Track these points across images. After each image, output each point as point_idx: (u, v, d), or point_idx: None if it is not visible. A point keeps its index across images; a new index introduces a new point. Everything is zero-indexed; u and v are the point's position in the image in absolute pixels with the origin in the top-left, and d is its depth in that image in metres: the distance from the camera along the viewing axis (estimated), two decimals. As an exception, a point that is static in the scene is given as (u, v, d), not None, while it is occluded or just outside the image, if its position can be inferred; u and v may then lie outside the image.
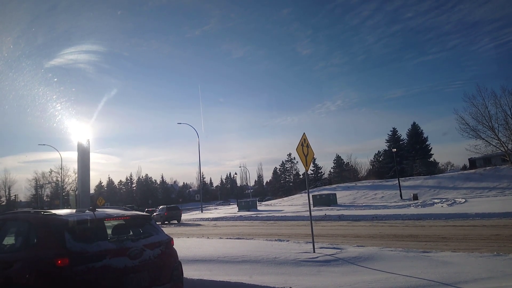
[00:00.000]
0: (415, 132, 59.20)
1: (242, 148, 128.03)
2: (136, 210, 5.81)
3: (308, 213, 9.21)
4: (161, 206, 32.23)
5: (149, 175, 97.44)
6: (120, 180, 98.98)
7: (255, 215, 26.58)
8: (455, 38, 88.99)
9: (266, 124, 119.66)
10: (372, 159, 70.48)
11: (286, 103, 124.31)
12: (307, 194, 9.01)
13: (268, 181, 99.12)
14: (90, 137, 7.63)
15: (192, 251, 8.33)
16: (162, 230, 4.52)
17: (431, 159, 58.82)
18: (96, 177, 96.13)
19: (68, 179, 64.38)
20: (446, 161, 74.88)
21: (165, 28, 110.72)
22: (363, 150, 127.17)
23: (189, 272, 5.73)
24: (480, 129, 36.08)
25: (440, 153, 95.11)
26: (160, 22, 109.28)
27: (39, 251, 3.59)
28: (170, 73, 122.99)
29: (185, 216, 36.27)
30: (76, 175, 9.27)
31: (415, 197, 29.40)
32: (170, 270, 4.19)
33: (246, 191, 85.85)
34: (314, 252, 7.61)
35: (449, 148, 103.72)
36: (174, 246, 4.47)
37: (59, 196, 51.64)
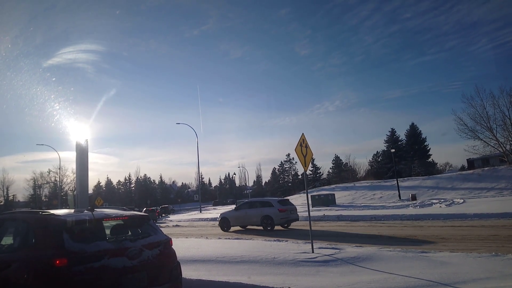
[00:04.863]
0: (414, 133, 59.36)
1: (241, 149, 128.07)
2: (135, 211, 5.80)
3: (307, 213, 9.22)
4: (144, 209, 40.31)
5: (148, 175, 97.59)
6: (119, 180, 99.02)
7: (253, 215, 26.50)
8: (453, 38, 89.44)
9: (265, 125, 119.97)
10: (370, 159, 70.70)
11: (285, 104, 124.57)
12: (305, 194, 9.01)
13: (267, 181, 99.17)
14: (88, 137, 7.65)
15: (191, 251, 8.33)
16: (161, 230, 4.52)
17: (430, 159, 58.98)
18: (95, 177, 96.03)
19: (67, 179, 64.22)
20: (444, 161, 75.14)
21: (163, 28, 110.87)
22: (362, 151, 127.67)
23: (188, 273, 5.72)
24: (478, 129, 36.32)
25: (438, 154, 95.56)
26: (158, 22, 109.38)
27: (37, 251, 3.58)
28: (169, 73, 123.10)
29: (183, 217, 36.21)
30: (75, 175, 9.27)
31: (414, 198, 29.45)
32: (169, 270, 4.18)
33: (245, 192, 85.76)
34: (312, 252, 7.61)
35: (448, 148, 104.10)
36: (172, 246, 4.47)
37: (58, 196, 51.46)
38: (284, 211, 15.70)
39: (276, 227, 15.92)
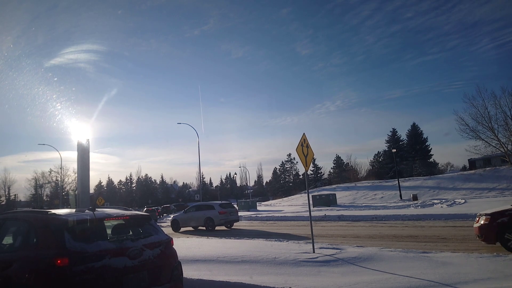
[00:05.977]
0: (415, 133, 59.27)
1: (242, 148, 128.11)
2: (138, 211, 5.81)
3: (308, 213, 9.22)
4: (145, 208, 41.73)
5: (149, 175, 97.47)
6: (120, 180, 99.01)
7: (254, 215, 26.58)
8: (455, 38, 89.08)
9: (266, 124, 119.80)
10: (371, 159, 70.57)
11: (286, 103, 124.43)
12: (307, 194, 9.01)
13: (268, 181, 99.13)
14: (90, 136, 7.64)
15: (192, 251, 8.33)
16: (162, 230, 4.53)
17: (431, 159, 58.90)
18: (96, 177, 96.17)
19: (68, 178, 64.30)
20: (445, 161, 75.06)
21: (165, 28, 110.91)
22: (363, 151, 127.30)
23: (189, 272, 5.73)
24: (480, 130, 36.14)
25: (440, 154, 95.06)
26: (160, 22, 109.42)
27: (38, 251, 3.58)
28: (170, 73, 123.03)
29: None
30: (76, 174, 9.28)
31: (415, 198, 29.42)
32: (170, 270, 4.18)
33: (246, 191, 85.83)
34: (313, 252, 7.61)
35: (449, 148, 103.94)
36: (173, 246, 4.47)
37: (59, 196, 51.57)
38: (224, 213, 17.38)
39: (219, 228, 17.77)
